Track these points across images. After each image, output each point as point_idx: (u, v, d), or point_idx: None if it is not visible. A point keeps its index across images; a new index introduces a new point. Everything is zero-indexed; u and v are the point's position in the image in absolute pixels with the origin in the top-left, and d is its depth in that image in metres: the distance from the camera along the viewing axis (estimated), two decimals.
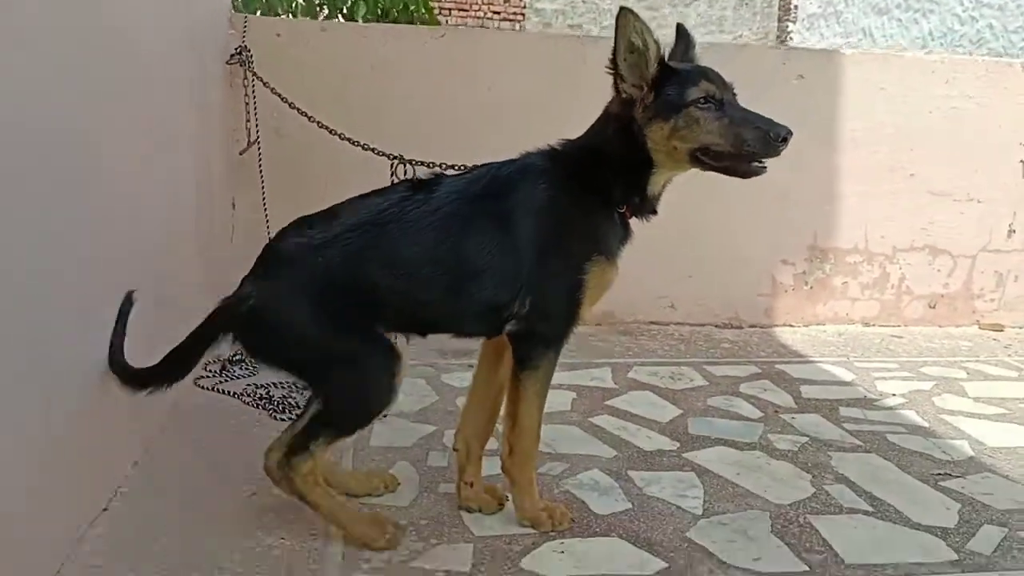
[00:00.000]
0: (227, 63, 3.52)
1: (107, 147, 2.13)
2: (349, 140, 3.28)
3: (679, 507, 2.26)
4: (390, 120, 3.73)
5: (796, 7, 17.83)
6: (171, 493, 2.19)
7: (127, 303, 2.05)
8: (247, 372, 3.13)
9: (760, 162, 1.93)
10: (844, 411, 3.04)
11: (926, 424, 2.95)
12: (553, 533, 2.08)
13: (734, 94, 1.97)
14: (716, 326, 4.13)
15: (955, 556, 2.06)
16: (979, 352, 3.94)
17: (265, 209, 3.58)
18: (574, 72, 3.87)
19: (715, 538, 2.10)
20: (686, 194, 3.90)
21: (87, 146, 1.99)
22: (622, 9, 1.87)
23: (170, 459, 2.40)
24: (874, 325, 4.28)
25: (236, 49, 3.53)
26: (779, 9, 19.30)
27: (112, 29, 2.19)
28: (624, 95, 1.94)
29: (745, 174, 1.96)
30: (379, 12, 6.98)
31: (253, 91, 3.55)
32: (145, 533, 1.96)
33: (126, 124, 2.30)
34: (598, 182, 1.99)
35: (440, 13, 15.56)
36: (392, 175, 3.13)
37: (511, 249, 1.93)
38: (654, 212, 2.08)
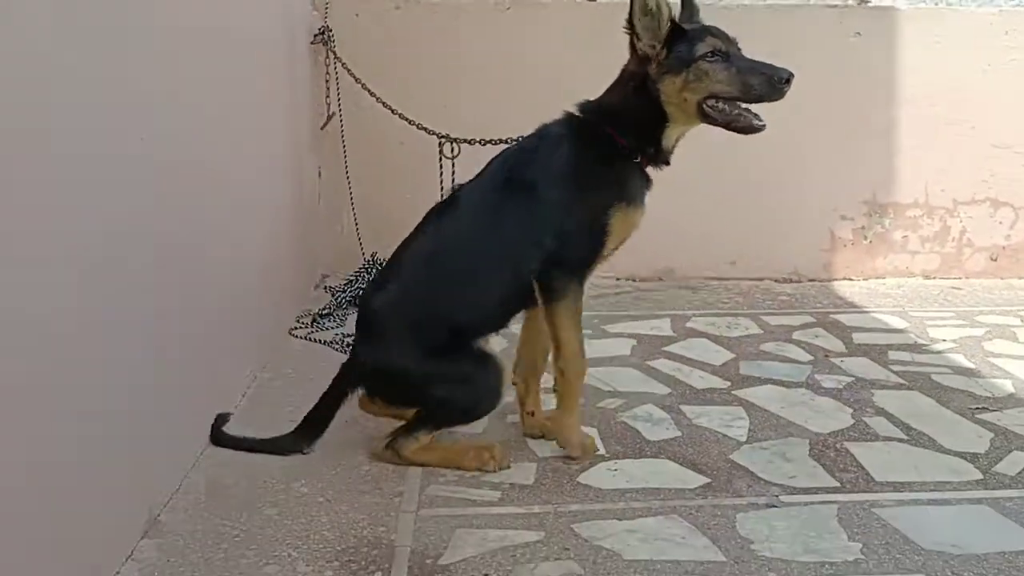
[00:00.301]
0: (311, 43, 3.82)
1: (224, 123, 2.48)
2: (400, 115, 3.62)
3: (725, 435, 2.48)
4: (458, 91, 3.99)
5: None
6: (279, 411, 2.53)
7: (222, 420, 2.39)
8: (335, 324, 3.45)
9: (759, 120, 2.17)
10: (893, 355, 3.20)
11: (972, 366, 3.08)
12: (608, 455, 2.33)
13: (739, 48, 2.19)
14: (775, 280, 4.29)
15: (980, 476, 2.24)
16: None
17: (348, 176, 3.90)
18: None
19: (755, 460, 2.32)
20: (745, 153, 4.09)
21: (208, 121, 2.33)
22: None
23: (273, 389, 2.75)
24: (935, 278, 4.36)
25: (319, 29, 3.83)
26: None
27: (224, 18, 2.53)
28: (640, 53, 2.15)
29: (746, 130, 2.19)
30: None
31: (336, 69, 3.86)
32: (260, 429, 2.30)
33: (238, 102, 2.67)
34: (616, 136, 2.21)
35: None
36: (440, 153, 3.43)
37: (543, 209, 2.20)
38: (667, 163, 2.30)
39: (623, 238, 2.28)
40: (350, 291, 3.71)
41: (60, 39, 1.53)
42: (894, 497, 2.13)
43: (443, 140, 3.47)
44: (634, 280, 4.27)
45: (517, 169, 2.26)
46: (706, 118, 2.19)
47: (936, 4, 4.62)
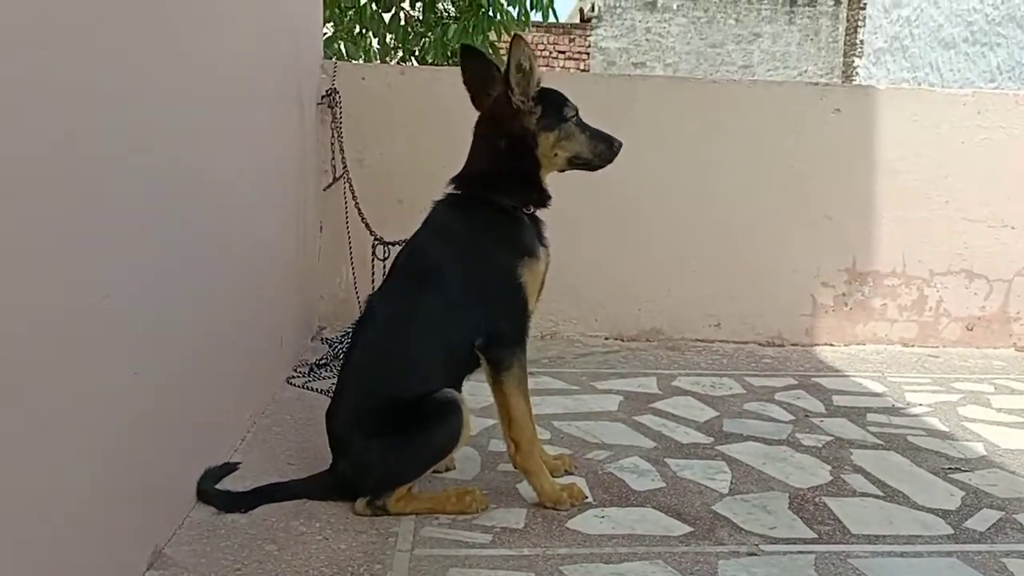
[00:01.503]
0: (318, 104, 4.00)
1: (235, 177, 2.61)
2: (357, 206, 3.91)
3: (708, 487, 2.58)
4: (458, 155, 4.16)
5: (862, 42, 17.95)
6: (278, 455, 2.61)
7: (229, 468, 2.47)
8: (331, 373, 3.55)
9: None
10: (871, 416, 3.31)
11: (947, 429, 3.20)
12: (595, 503, 2.43)
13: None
14: (759, 344, 4.42)
15: (951, 531, 2.34)
16: (1011, 371, 4.14)
17: (348, 232, 4.04)
18: (627, 108, 4.27)
19: (737, 511, 2.42)
20: (730, 220, 4.26)
21: (221, 174, 2.47)
22: (515, 35, 2.27)
23: (271, 434, 2.84)
24: (912, 346, 4.51)
25: (327, 91, 4.02)
26: (844, 44, 19.46)
27: (244, 80, 2.69)
28: (515, 107, 2.32)
29: (594, 169, 2.49)
30: (447, 55, 7.51)
31: (340, 131, 4.03)
32: (249, 476, 2.38)
33: (250, 157, 2.82)
34: (499, 195, 2.38)
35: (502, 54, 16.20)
36: (372, 255, 3.67)
37: (458, 293, 2.32)
38: (549, 201, 2.46)
39: (537, 290, 2.40)
40: (346, 343, 3.81)
41: (90, 112, 1.67)
42: (869, 549, 2.22)
43: (376, 243, 3.68)
44: (622, 340, 4.39)
45: (418, 263, 2.39)
46: (569, 167, 2.46)
47: (915, 85, 4.87)
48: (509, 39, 2.41)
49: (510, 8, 7.84)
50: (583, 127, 2.43)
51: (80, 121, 1.60)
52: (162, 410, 2.07)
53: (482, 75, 2.45)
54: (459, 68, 2.48)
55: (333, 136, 4.06)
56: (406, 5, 7.96)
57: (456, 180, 2.44)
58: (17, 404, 1.40)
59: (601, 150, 2.44)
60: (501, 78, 2.33)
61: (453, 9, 8.21)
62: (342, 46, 7.42)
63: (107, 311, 1.73)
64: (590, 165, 2.46)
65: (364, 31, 7.80)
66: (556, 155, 2.40)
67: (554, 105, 2.38)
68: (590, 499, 2.45)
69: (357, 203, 3.91)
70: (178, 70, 2.15)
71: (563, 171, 2.47)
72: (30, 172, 1.42)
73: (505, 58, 2.31)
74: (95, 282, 1.68)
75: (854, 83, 16.30)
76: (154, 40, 1.98)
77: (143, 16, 1.91)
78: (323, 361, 3.64)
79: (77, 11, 1.59)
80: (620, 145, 2.45)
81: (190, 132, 2.25)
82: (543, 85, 2.40)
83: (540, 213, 2.46)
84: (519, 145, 2.37)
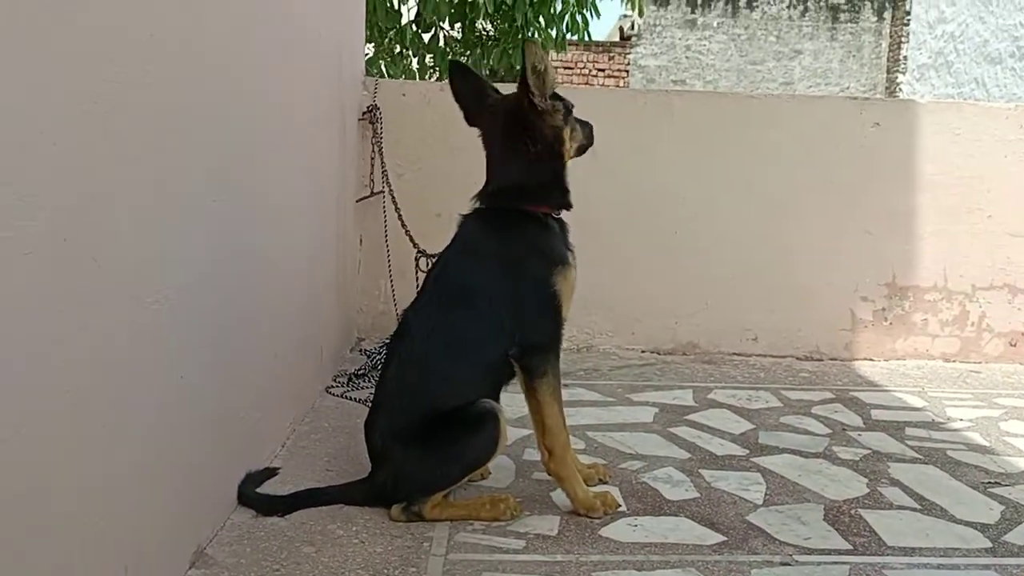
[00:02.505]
0: (359, 120, 4.09)
1: (283, 191, 2.69)
2: (399, 216, 3.97)
3: (742, 497, 2.58)
4: None
5: (906, 58, 17.78)
6: (316, 461, 2.67)
7: (270, 473, 2.53)
8: (369, 384, 3.61)
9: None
10: (910, 431, 3.28)
11: (987, 444, 3.16)
12: (628, 512, 2.44)
13: None
14: (797, 358, 4.40)
15: (989, 544, 2.31)
16: None
17: (387, 245, 4.11)
18: (664, 122, 4.31)
19: (771, 521, 2.41)
20: (770, 233, 4.25)
21: (270, 188, 2.54)
22: (526, 41, 2.34)
23: (310, 441, 2.90)
24: (954, 361, 4.45)
25: (368, 108, 4.11)
26: (888, 60, 19.28)
27: (288, 97, 2.78)
28: (539, 108, 2.35)
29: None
30: (489, 72, 7.61)
31: (381, 146, 4.12)
32: (288, 481, 2.44)
33: (295, 172, 2.90)
34: (530, 202, 2.42)
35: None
36: (416, 268, 3.74)
37: (493, 306, 2.36)
38: (571, 205, 2.51)
39: (570, 298, 2.43)
40: (383, 355, 3.87)
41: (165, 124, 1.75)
42: (904, 560, 2.21)
43: (419, 255, 3.75)
44: (659, 353, 4.40)
45: (451, 277, 2.43)
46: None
47: (955, 98, 4.84)
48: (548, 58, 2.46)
49: (548, 29, 7.93)
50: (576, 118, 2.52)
51: (130, 135, 1.67)
52: (206, 414, 2.14)
53: (473, 90, 2.52)
54: (451, 84, 2.54)
55: (374, 151, 4.14)
56: (446, 26, 8.08)
57: (483, 194, 2.47)
58: (68, 406, 1.47)
59: (591, 133, 2.57)
60: (519, 84, 2.36)
61: (492, 30, 8.32)
62: (383, 66, 7.55)
63: (156, 316, 1.80)
64: (584, 151, 2.57)
65: (404, 52, 7.93)
66: (572, 146, 2.48)
67: (563, 101, 2.44)
68: (623, 508, 2.47)
69: (400, 216, 3.98)
70: (226, 88, 2.23)
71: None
72: (89, 184, 1.49)
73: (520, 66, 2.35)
74: (146, 288, 1.75)
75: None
76: (205, 58, 2.06)
77: (193, 37, 1.99)
78: (361, 371, 3.70)
79: (135, 30, 1.67)
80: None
81: (236, 147, 2.33)
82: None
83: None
84: (551, 145, 2.42)
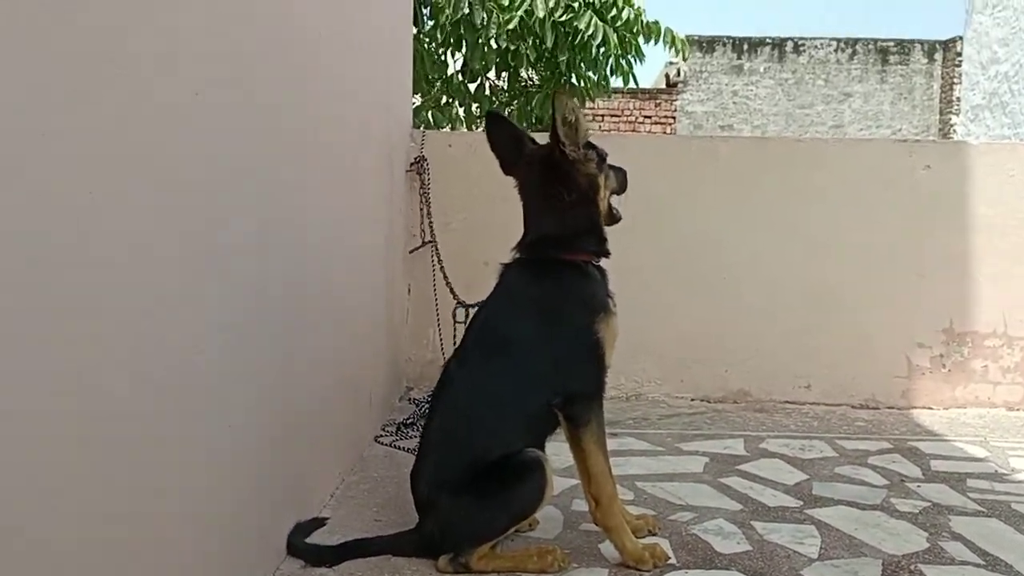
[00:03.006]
0: (407, 171, 4.17)
1: (334, 241, 2.75)
2: (442, 270, 4.05)
3: (796, 551, 2.51)
4: None
5: (959, 99, 17.54)
6: (365, 511, 2.67)
7: (318, 523, 2.55)
8: (418, 433, 3.61)
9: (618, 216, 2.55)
10: (971, 482, 3.17)
11: None
12: (679, 565, 2.39)
13: None
14: (851, 406, 4.30)
15: None
16: None
17: (435, 295, 4.15)
18: (710, 166, 4.31)
19: None
20: (821, 279, 4.20)
21: (321, 239, 2.60)
22: (554, 92, 2.37)
23: (360, 491, 2.90)
24: (1018, 409, 4.31)
25: (415, 159, 4.18)
26: (940, 102, 19.05)
27: (340, 146, 2.84)
28: (571, 158, 2.37)
29: (616, 221, 2.56)
30: (532, 121, 7.70)
31: (428, 197, 4.18)
32: (337, 531, 2.44)
33: (346, 221, 2.97)
34: (569, 251, 2.42)
35: (594, 119, 16.47)
36: (453, 318, 3.81)
37: (536, 358, 2.36)
38: (609, 252, 2.50)
39: (613, 345, 2.41)
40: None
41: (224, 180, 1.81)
42: None
43: (457, 307, 3.77)
44: (708, 401, 4.34)
45: (492, 328, 2.43)
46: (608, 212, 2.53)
47: (1011, 139, 4.75)
48: (593, 105, 2.50)
49: (590, 73, 8.00)
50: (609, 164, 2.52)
51: (181, 185, 1.73)
52: (255, 464, 2.16)
53: (509, 140, 2.56)
54: (487, 134, 2.59)
55: (422, 201, 4.21)
56: (492, 75, 8.22)
57: (521, 244, 2.49)
58: (117, 456, 1.50)
59: (624, 179, 2.57)
60: (550, 135, 2.38)
61: (536, 78, 8.43)
62: (430, 115, 7.69)
63: (204, 364, 1.83)
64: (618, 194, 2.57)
65: (451, 101, 8.07)
66: (605, 196, 2.48)
67: (596, 149, 2.46)
68: (673, 560, 2.42)
69: (443, 267, 4.03)
70: (278, 139, 2.30)
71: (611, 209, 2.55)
72: (135, 236, 1.55)
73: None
74: (195, 335, 1.79)
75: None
76: (256, 110, 2.13)
77: (245, 88, 2.06)
78: (410, 420, 3.72)
79: (184, 87, 1.73)
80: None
81: (287, 196, 2.39)
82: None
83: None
84: (586, 194, 2.43)
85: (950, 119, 18.21)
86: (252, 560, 2.15)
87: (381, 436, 3.55)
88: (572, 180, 2.41)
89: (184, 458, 1.75)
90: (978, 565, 2.44)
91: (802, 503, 2.92)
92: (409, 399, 4.12)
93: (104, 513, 1.45)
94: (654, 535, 2.59)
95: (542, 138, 2.54)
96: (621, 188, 2.57)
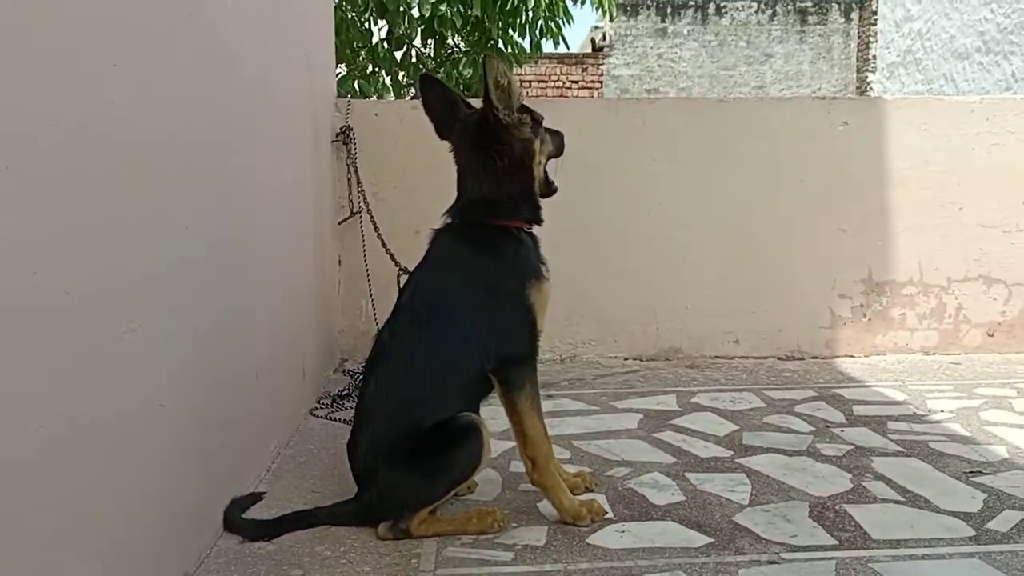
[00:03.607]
0: (333, 141, 4.10)
1: (257, 213, 2.70)
2: (379, 237, 4.00)
3: (728, 499, 2.59)
4: None
5: (875, 57, 17.99)
6: (303, 483, 2.66)
7: (255, 498, 2.53)
8: (353, 404, 3.59)
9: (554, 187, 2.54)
10: (892, 425, 3.31)
11: (968, 434, 3.19)
12: (616, 518, 2.45)
13: None
14: (778, 358, 4.43)
15: (973, 533, 2.34)
16: None
17: (366, 265, 4.11)
18: (637, 130, 4.35)
19: (757, 521, 2.43)
20: (746, 235, 4.29)
21: (243, 211, 2.55)
22: (485, 56, 2.32)
23: (296, 464, 2.89)
24: (934, 354, 4.49)
25: (341, 128, 4.12)
26: (857, 60, 19.50)
27: (260, 120, 2.78)
28: (504, 122, 2.35)
29: (552, 192, 2.55)
30: (461, 87, 7.64)
31: (356, 166, 4.13)
32: (275, 505, 2.43)
33: (271, 195, 2.93)
34: (502, 217, 2.42)
35: (521, 85, 16.43)
36: (398, 285, 3.66)
37: (468, 322, 2.37)
38: (542, 220, 2.51)
39: (545, 310, 2.43)
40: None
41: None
42: (890, 553, 2.23)
43: (400, 273, 3.74)
44: (641, 360, 4.42)
45: (424, 294, 2.43)
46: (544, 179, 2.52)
47: (925, 94, 4.90)
48: (520, 71, 2.48)
49: (519, 39, 7.95)
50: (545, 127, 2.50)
51: (101, 164, 1.68)
52: (188, 441, 2.13)
53: (444, 103, 2.53)
54: (421, 96, 2.54)
55: (349, 172, 4.15)
56: (417, 42, 8.11)
57: (453, 210, 2.48)
58: (46, 437, 1.46)
59: (562, 143, 2.57)
60: (483, 99, 2.36)
61: (463, 44, 8.35)
62: (356, 84, 7.56)
63: (133, 344, 1.80)
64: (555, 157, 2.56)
65: (377, 70, 7.94)
66: (541, 161, 2.47)
67: (531, 113, 2.44)
68: (610, 514, 2.48)
69: (380, 235, 3.99)
70: (201, 114, 2.24)
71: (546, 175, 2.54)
72: (59, 215, 1.50)
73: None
74: (121, 314, 1.75)
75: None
76: (173, 82, 2.07)
77: (161, 60, 2.00)
78: (345, 392, 3.70)
79: (107, 55, 1.67)
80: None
81: (207, 172, 2.33)
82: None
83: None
84: (520, 159, 2.42)
85: (867, 77, 18.66)
86: (189, 537, 2.13)
87: (316, 409, 3.53)
88: (506, 144, 2.40)
89: (117, 436, 1.71)
90: (899, 502, 2.56)
91: (733, 453, 3.00)
92: (344, 371, 4.10)
93: (35, 494, 1.41)
94: (591, 491, 2.64)
95: (477, 103, 2.51)
96: (558, 151, 2.56)
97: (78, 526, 1.56)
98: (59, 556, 1.50)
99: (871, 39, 18.31)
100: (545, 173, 2.52)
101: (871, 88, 18.16)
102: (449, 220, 2.48)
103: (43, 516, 1.45)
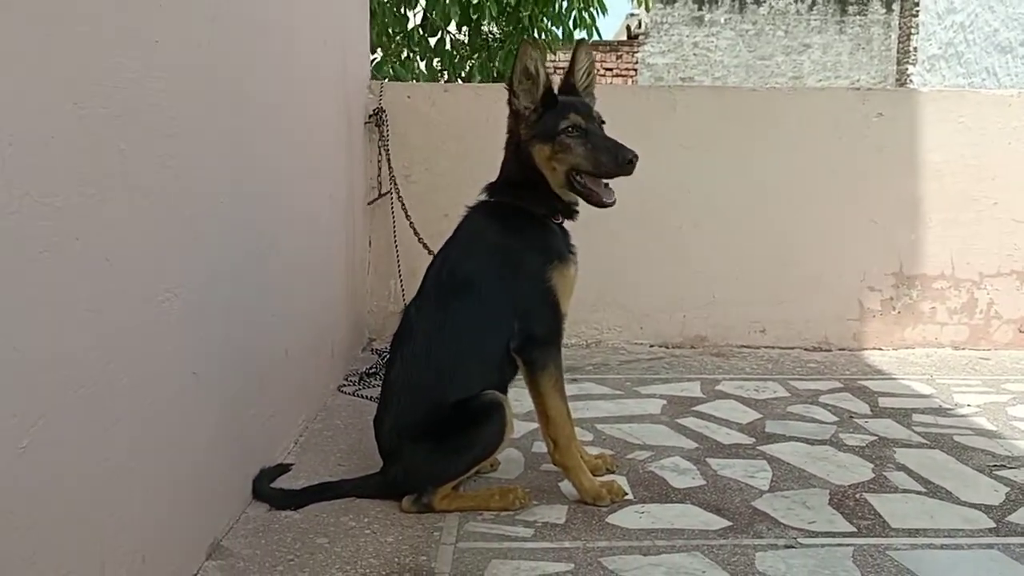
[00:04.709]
0: (365, 123, 4.15)
1: (290, 195, 2.76)
2: (411, 225, 3.99)
3: (748, 484, 2.61)
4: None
5: (915, 49, 17.70)
6: (328, 457, 2.72)
7: (283, 469, 2.60)
8: (380, 382, 3.66)
9: (610, 197, 2.38)
10: (917, 417, 3.30)
11: (994, 428, 3.18)
12: (636, 500, 2.48)
13: (601, 123, 2.42)
14: (805, 349, 4.42)
15: (993, 525, 2.34)
16: None
17: (396, 246, 4.17)
18: (667, 118, 4.34)
19: (776, 507, 2.45)
20: (775, 225, 4.28)
21: (280, 188, 2.61)
22: (523, 40, 2.32)
23: (323, 438, 2.96)
24: (963, 349, 4.46)
25: (373, 111, 4.16)
26: (898, 52, 19.20)
27: (297, 99, 2.83)
28: (514, 108, 2.36)
29: (598, 204, 2.39)
30: (494, 76, 7.65)
31: (388, 148, 4.17)
32: (301, 476, 2.49)
33: (304, 173, 2.99)
34: (526, 202, 2.43)
35: (555, 73, 16.38)
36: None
37: (493, 299, 2.39)
38: (575, 215, 2.50)
39: (569, 293, 2.44)
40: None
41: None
42: (908, 541, 2.24)
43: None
44: (667, 347, 4.43)
45: (451, 271, 2.45)
46: (571, 188, 2.39)
47: (966, 88, 4.83)
48: (554, 58, 2.44)
49: (554, 28, 7.94)
50: (586, 138, 2.34)
51: (142, 137, 1.73)
52: (220, 411, 2.20)
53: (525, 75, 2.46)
54: (503, 85, 2.48)
55: (380, 153, 4.20)
56: (452, 29, 8.13)
57: (488, 187, 2.52)
58: (83, 401, 1.52)
59: (604, 161, 2.32)
60: (506, 80, 2.38)
61: (498, 32, 8.35)
62: (391, 69, 7.60)
63: (170, 311, 1.85)
64: (595, 184, 2.37)
65: (412, 55, 7.97)
66: (555, 169, 2.38)
67: (554, 116, 2.36)
68: (630, 496, 2.51)
69: (409, 217, 4.03)
70: (235, 94, 2.29)
71: (575, 192, 2.41)
72: (101, 185, 1.55)
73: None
74: (158, 282, 1.81)
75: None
76: (214, 65, 2.12)
77: (203, 43, 2.05)
78: (372, 370, 3.76)
79: (145, 32, 1.73)
80: (631, 157, 2.30)
81: (244, 148, 2.39)
82: (565, 96, 2.44)
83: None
84: (519, 154, 2.43)
85: (907, 69, 18.36)
86: (219, 504, 2.20)
87: (344, 386, 3.59)
88: (513, 133, 2.44)
89: (152, 400, 1.77)
90: (920, 492, 2.57)
91: (755, 440, 3.02)
92: (372, 350, 4.16)
93: (64, 457, 1.47)
94: (612, 473, 2.67)
95: (498, 91, 2.49)
96: (598, 168, 2.33)
97: (108, 489, 1.62)
98: (90, 517, 1.56)
99: (912, 31, 18.01)
100: (581, 182, 2.36)
101: (911, 81, 17.88)
102: (483, 197, 2.51)
103: (73, 477, 1.51)
